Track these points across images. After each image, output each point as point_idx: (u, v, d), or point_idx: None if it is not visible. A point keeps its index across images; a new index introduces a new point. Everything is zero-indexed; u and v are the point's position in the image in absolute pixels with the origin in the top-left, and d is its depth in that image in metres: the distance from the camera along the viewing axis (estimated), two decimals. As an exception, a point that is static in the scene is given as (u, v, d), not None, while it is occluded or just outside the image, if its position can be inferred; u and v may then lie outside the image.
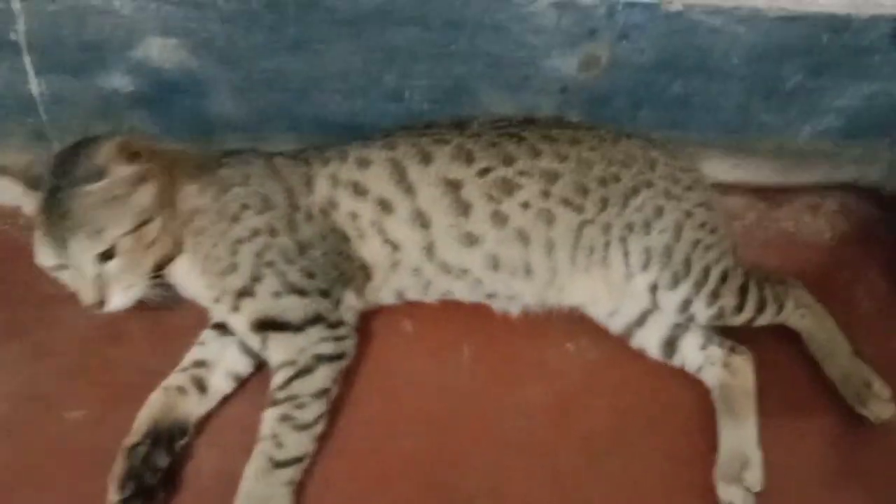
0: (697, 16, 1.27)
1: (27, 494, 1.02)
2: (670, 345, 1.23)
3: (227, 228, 1.11)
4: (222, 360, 1.15)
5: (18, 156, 1.31)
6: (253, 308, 1.10)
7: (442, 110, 1.33)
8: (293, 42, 1.20)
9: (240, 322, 1.12)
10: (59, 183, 1.01)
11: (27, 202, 1.05)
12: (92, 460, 1.03)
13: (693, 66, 1.34)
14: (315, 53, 1.23)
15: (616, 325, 1.26)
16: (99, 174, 1.01)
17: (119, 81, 1.20)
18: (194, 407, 1.11)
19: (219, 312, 1.16)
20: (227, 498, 1.00)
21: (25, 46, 1.16)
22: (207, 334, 1.19)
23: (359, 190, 1.17)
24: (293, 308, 1.10)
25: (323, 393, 1.08)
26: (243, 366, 1.16)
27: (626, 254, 1.19)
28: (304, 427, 1.05)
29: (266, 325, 1.10)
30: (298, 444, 1.04)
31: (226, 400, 1.15)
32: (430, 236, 1.16)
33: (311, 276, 1.12)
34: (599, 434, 1.15)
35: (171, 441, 1.06)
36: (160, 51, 1.19)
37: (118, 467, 1.01)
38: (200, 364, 1.14)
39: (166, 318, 1.22)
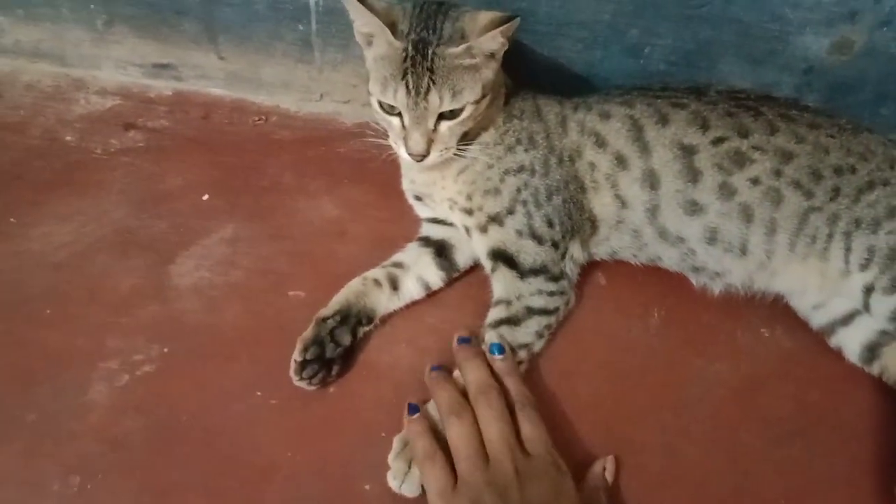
0: (983, 8, 1.17)
1: (242, 349, 1.15)
2: (872, 350, 1.18)
3: (503, 155, 1.17)
4: (416, 266, 1.23)
5: (282, 59, 1.44)
6: (497, 237, 1.17)
7: (677, 73, 1.32)
8: (551, -18, 1.23)
9: (481, 243, 1.19)
10: (427, 37, 1.05)
11: (379, 38, 1.07)
12: (301, 334, 1.12)
13: (962, 65, 1.24)
14: (570, -3, 1.25)
15: (818, 320, 1.22)
16: (462, 38, 1.05)
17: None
18: (384, 301, 1.19)
19: (457, 220, 1.22)
20: (420, 390, 1.09)
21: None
22: (411, 244, 1.28)
23: (600, 141, 1.19)
24: (527, 251, 1.16)
25: (523, 347, 1.13)
26: (433, 277, 1.24)
27: (847, 249, 1.15)
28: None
29: (499, 257, 1.17)
30: None
31: (425, 310, 1.23)
32: (657, 199, 1.17)
33: (550, 224, 1.17)
34: (783, 420, 1.13)
35: (356, 324, 1.15)
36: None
37: (308, 333, 1.12)
38: (398, 265, 1.23)
39: (386, 228, 1.33)
